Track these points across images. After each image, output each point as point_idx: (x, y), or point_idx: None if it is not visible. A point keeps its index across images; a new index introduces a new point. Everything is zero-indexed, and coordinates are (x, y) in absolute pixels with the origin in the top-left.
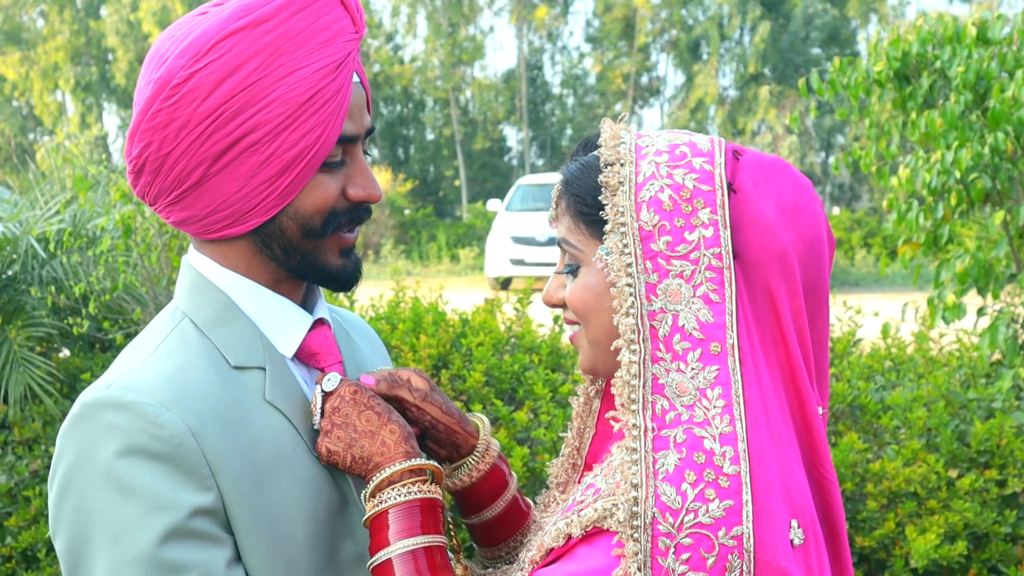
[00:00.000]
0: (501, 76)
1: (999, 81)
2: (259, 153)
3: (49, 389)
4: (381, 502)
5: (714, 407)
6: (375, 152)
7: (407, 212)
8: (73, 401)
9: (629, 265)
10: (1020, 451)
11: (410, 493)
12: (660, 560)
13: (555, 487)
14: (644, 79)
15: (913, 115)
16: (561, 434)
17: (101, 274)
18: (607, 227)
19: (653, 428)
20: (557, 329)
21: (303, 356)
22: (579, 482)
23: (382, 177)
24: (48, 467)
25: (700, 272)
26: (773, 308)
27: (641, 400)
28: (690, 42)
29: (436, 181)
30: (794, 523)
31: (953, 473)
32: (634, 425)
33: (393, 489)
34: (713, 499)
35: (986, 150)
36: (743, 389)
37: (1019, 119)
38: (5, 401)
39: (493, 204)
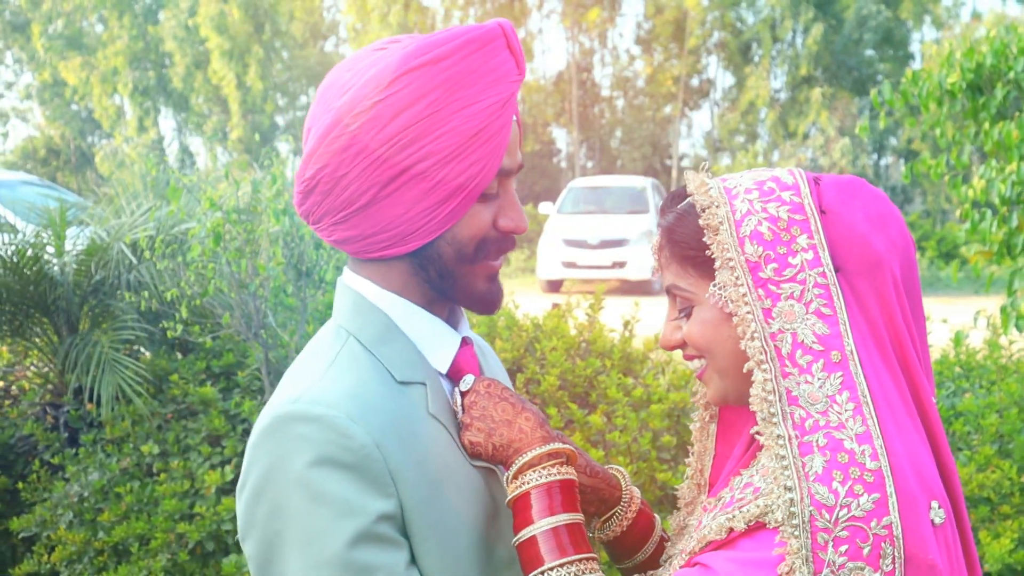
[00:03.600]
0: (550, 78)
1: None
2: (427, 180)
3: (139, 390)
4: (523, 484)
5: (845, 410)
6: None
7: None
8: (160, 401)
9: (744, 295)
10: None
11: (549, 475)
12: (820, 554)
13: (684, 507)
14: (694, 81)
15: (986, 125)
16: (635, 437)
17: (191, 279)
18: (717, 264)
19: (796, 435)
20: (627, 334)
21: (451, 372)
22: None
23: None
24: (137, 464)
25: (809, 290)
26: (880, 310)
27: (780, 412)
28: (741, 44)
29: None
30: (934, 504)
31: None
32: (779, 436)
33: (534, 471)
34: (862, 494)
35: None
36: (868, 390)
37: None
38: (97, 402)
39: (544, 207)
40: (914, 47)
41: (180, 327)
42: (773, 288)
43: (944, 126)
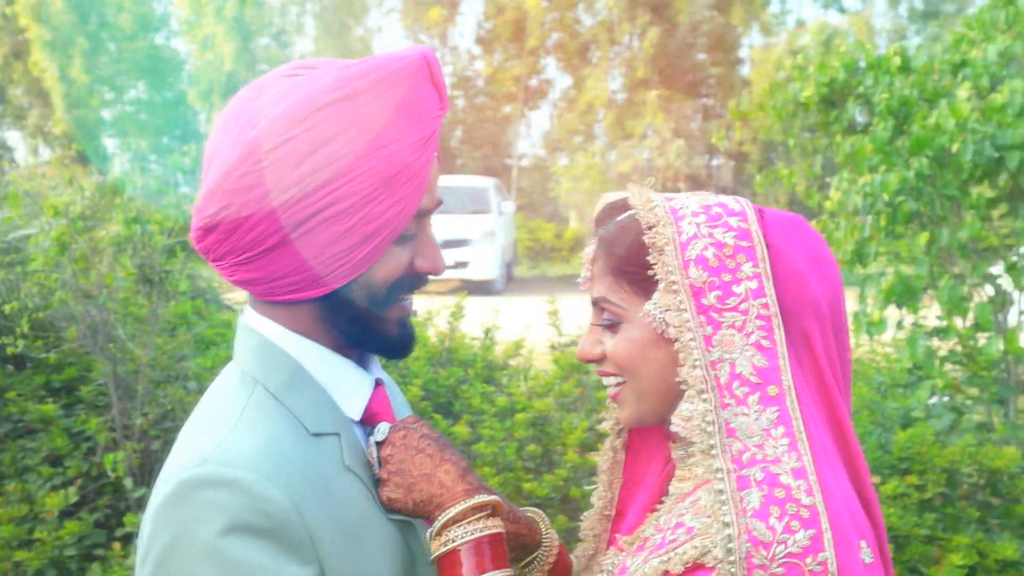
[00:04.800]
0: None
1: (920, 109)
2: (341, 224)
3: None
4: (449, 541)
5: (780, 445)
6: None
7: None
8: None
9: (687, 320)
10: (938, 458)
11: (477, 530)
12: None
13: (591, 539)
14: (533, 82)
15: (838, 138)
16: (502, 444)
17: (33, 291)
18: (660, 286)
19: (734, 469)
20: (488, 342)
21: (365, 418)
22: (614, 528)
23: None
24: None
25: (751, 321)
26: (810, 350)
27: (719, 445)
28: (579, 46)
29: None
30: (863, 544)
31: (876, 479)
32: (718, 468)
33: (460, 527)
34: (798, 530)
35: (911, 174)
36: (804, 426)
37: (940, 145)
38: None
39: None
40: (743, 52)
41: (21, 342)
42: (715, 316)
43: (797, 137)
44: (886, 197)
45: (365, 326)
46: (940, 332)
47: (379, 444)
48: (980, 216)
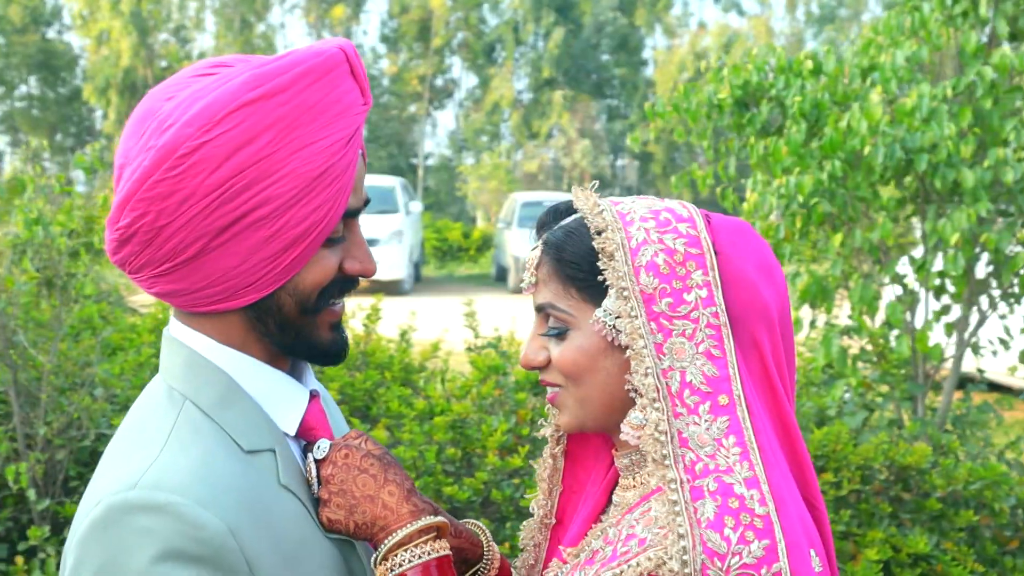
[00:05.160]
0: None
1: (833, 112)
2: (265, 228)
3: None
4: (395, 566)
5: (732, 454)
6: None
7: None
8: None
9: (639, 328)
10: (853, 455)
11: (424, 553)
12: None
13: (532, 549)
14: (439, 81)
15: (751, 140)
16: (421, 449)
17: None
18: (611, 292)
19: (688, 479)
20: (404, 344)
21: (301, 432)
22: (554, 537)
23: None
24: None
25: (701, 330)
26: (759, 357)
27: (672, 455)
28: (484, 45)
29: None
30: (812, 552)
31: None
32: (672, 479)
33: (406, 551)
34: (752, 540)
35: (824, 176)
36: (754, 435)
37: (851, 147)
38: None
39: None
40: (647, 53)
41: None
42: (665, 323)
43: (710, 139)
44: (801, 199)
45: (297, 333)
46: (852, 331)
47: (318, 462)
48: (891, 217)
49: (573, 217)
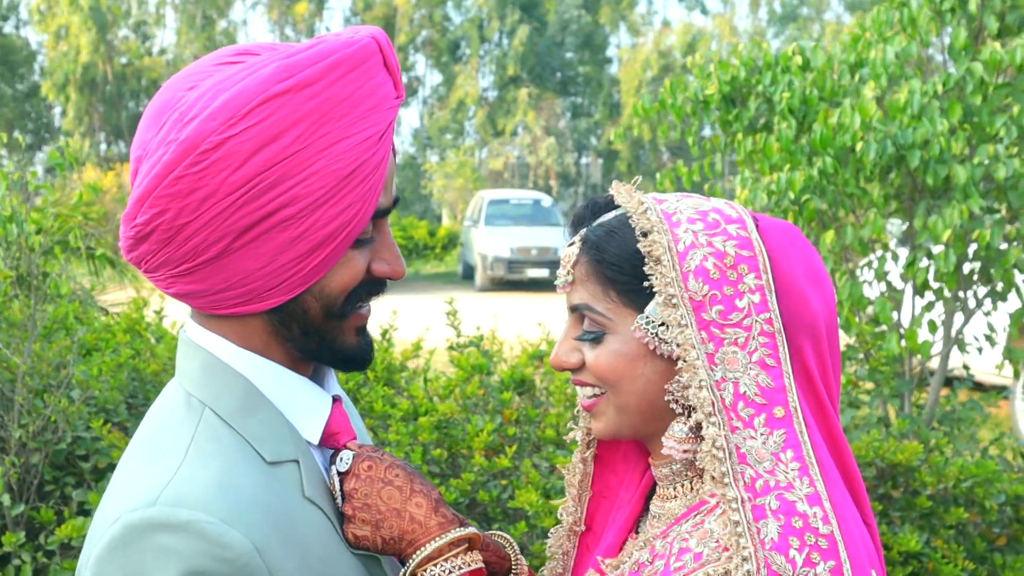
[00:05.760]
0: None
1: (823, 108)
2: (292, 229)
3: None
4: None
5: (791, 469)
6: (122, 148)
7: None
8: None
9: (691, 337)
10: None
11: (455, 568)
12: None
13: (560, 557)
14: (403, 78)
15: (739, 136)
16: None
17: None
18: (659, 298)
19: (749, 497)
20: (386, 344)
21: (324, 440)
22: (582, 544)
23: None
24: None
25: (754, 338)
26: (804, 371)
27: (731, 472)
28: (449, 43)
29: None
30: (873, 573)
31: None
32: (732, 498)
33: (436, 566)
34: (819, 562)
35: (815, 172)
36: (813, 450)
37: (842, 144)
38: None
39: None
40: (612, 51)
41: None
42: (716, 332)
43: (695, 136)
44: (792, 195)
45: (322, 339)
46: (840, 328)
47: (342, 474)
48: (881, 214)
49: (615, 214)
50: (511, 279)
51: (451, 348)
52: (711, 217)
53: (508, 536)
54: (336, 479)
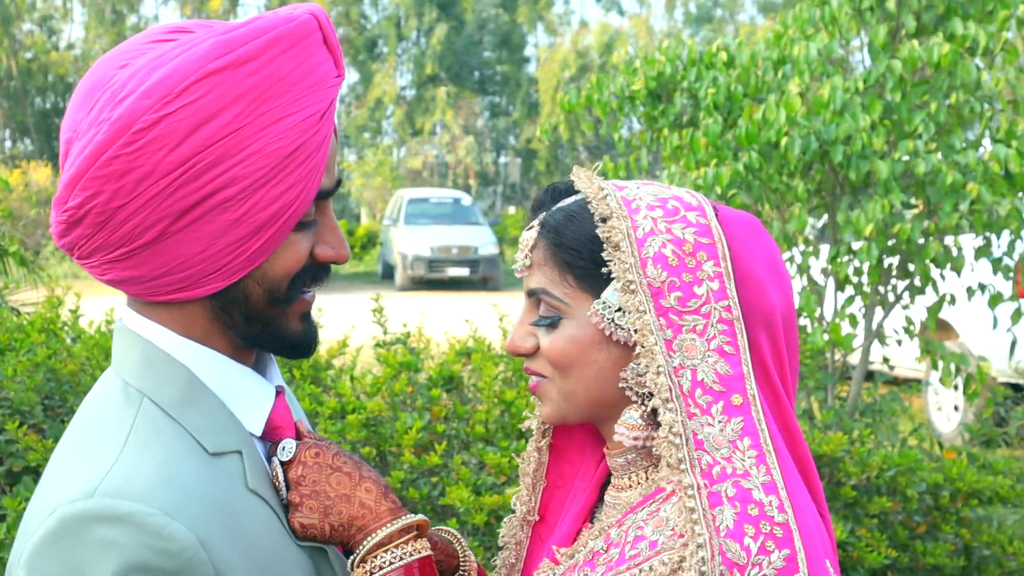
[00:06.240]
0: None
1: (747, 104)
2: (231, 211)
3: None
4: (376, 568)
5: (748, 457)
6: (28, 145)
7: None
8: None
9: (649, 324)
10: None
11: (406, 555)
12: None
13: (513, 547)
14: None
15: (665, 132)
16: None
17: None
18: (616, 284)
19: (705, 484)
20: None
21: (266, 433)
22: (535, 534)
23: (42, 173)
24: None
25: (712, 326)
26: (760, 360)
27: (688, 459)
28: (366, 41)
29: None
30: (828, 563)
31: None
32: (688, 484)
33: (387, 552)
34: (773, 550)
35: (741, 167)
36: (770, 438)
37: (767, 139)
38: None
39: None
40: (529, 51)
41: None
42: (675, 318)
43: (619, 131)
44: (719, 190)
45: (266, 325)
46: None
47: (284, 464)
48: (807, 209)
49: (574, 199)
50: (431, 278)
51: (378, 345)
52: (671, 204)
53: (455, 532)
54: (279, 469)
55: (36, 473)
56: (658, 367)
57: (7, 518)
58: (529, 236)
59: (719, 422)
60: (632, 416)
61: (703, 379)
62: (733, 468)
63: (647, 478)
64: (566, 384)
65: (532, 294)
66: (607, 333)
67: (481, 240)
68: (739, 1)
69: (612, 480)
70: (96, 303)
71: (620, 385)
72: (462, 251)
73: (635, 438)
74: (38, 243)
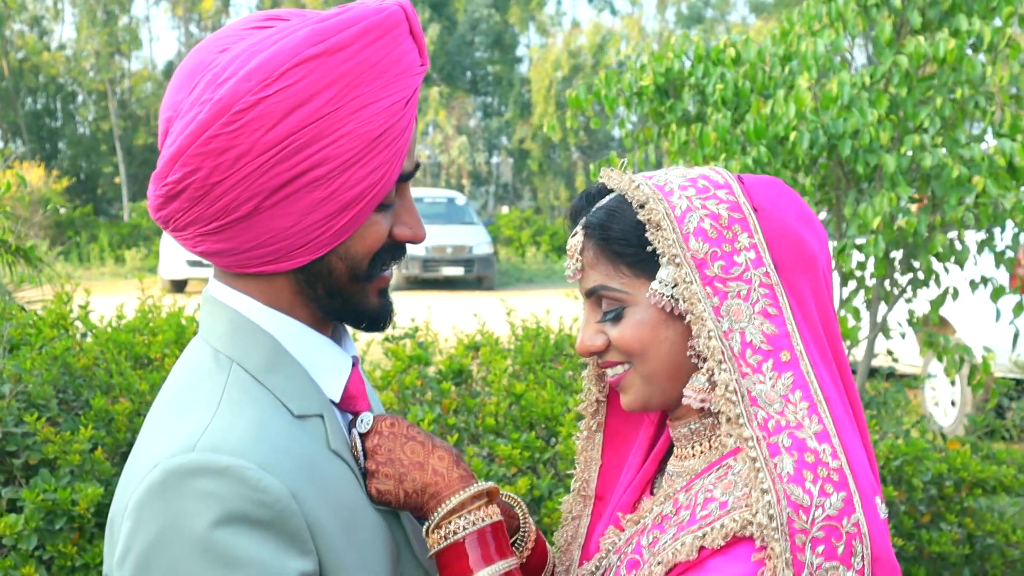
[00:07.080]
0: (162, 68)
1: (756, 99)
2: (321, 189)
3: None
4: (452, 533)
5: (800, 409)
6: (20, 146)
7: (63, 211)
8: None
9: (696, 292)
10: None
11: (479, 520)
12: (799, 556)
13: (571, 522)
14: None
15: (673, 127)
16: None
17: None
18: (663, 260)
19: (763, 436)
20: None
21: (343, 401)
22: (595, 512)
23: (34, 173)
24: None
25: (755, 290)
26: (816, 307)
27: (745, 413)
28: None
29: (92, 178)
30: (878, 500)
31: None
32: (748, 436)
33: (461, 518)
34: (832, 493)
35: (749, 162)
36: (820, 389)
37: (775, 133)
38: None
39: None
40: (521, 51)
41: None
42: (720, 286)
43: (625, 128)
44: None
45: (346, 300)
46: None
47: (362, 435)
48: (813, 203)
49: (609, 197)
50: (426, 277)
51: (387, 340)
52: (700, 183)
53: (517, 498)
54: (358, 440)
55: (52, 466)
56: (709, 332)
57: (25, 510)
58: (576, 241)
59: (770, 379)
60: (699, 379)
61: (751, 340)
62: (787, 421)
63: (711, 447)
64: (645, 367)
65: (591, 293)
66: (668, 309)
67: (475, 240)
68: (730, 1)
69: (675, 451)
70: (100, 302)
71: (688, 354)
72: (457, 251)
73: (702, 400)
74: (32, 242)
